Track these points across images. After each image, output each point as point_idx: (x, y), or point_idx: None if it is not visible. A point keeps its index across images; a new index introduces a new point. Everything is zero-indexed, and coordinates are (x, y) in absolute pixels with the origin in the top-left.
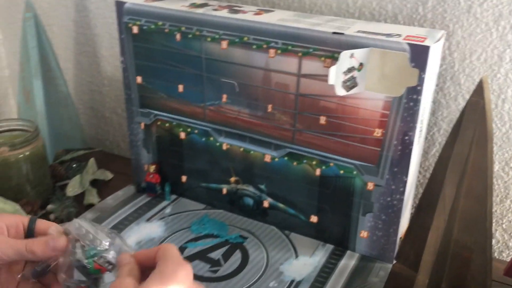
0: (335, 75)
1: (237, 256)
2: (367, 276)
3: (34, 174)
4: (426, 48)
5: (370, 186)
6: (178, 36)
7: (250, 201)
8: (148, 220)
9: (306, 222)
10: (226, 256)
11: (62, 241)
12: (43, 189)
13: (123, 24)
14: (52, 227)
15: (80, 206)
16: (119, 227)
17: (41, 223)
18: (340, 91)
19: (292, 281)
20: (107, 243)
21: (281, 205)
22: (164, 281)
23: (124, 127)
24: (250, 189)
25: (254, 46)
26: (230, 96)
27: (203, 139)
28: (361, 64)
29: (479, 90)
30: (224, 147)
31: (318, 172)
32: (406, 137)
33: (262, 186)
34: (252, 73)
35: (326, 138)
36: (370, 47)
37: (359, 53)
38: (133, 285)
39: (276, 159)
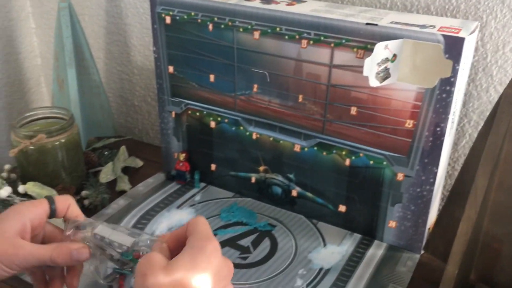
0: (370, 66)
1: (266, 244)
2: (395, 265)
3: (69, 161)
4: (461, 40)
5: (400, 176)
6: (210, 26)
7: (278, 190)
8: (179, 207)
9: (334, 211)
10: (255, 243)
11: (85, 254)
12: (77, 176)
13: (156, 14)
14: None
15: (112, 192)
16: (151, 213)
17: (60, 200)
18: (374, 82)
19: (320, 269)
20: (132, 241)
21: (309, 194)
22: (193, 256)
23: (153, 116)
24: (279, 178)
25: (286, 37)
26: (261, 86)
27: (233, 128)
28: (394, 55)
29: None
30: (254, 136)
31: (347, 162)
32: (438, 129)
33: (291, 175)
34: (284, 64)
35: (356, 129)
36: (404, 38)
37: (393, 44)
38: (160, 258)
39: (306, 149)
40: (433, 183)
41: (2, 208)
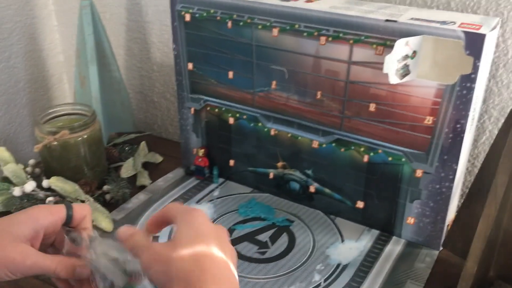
0: (390, 63)
1: (284, 239)
2: (413, 262)
3: (92, 156)
4: (482, 36)
5: (419, 173)
6: (229, 24)
7: (296, 185)
8: (198, 202)
9: (352, 207)
10: (273, 238)
11: (85, 272)
12: (99, 171)
13: (176, 12)
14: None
15: (133, 187)
16: None
17: (78, 209)
18: (394, 79)
19: (338, 265)
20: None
21: (327, 190)
22: (190, 226)
23: (172, 112)
24: (297, 174)
25: (305, 34)
26: (279, 82)
27: (252, 124)
28: (414, 52)
29: None
30: (272, 132)
31: (366, 158)
32: (458, 125)
33: (309, 171)
34: (302, 60)
35: (375, 125)
36: (424, 34)
37: (413, 40)
38: (159, 244)
39: (324, 145)
40: (452, 180)
41: (27, 202)
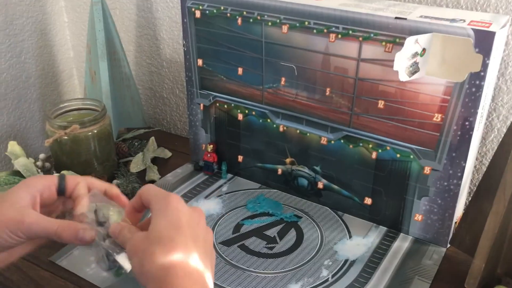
0: (400, 61)
1: (292, 234)
2: (420, 258)
3: (101, 151)
4: (492, 34)
5: (427, 170)
6: (239, 20)
7: (304, 181)
8: (207, 197)
9: (360, 204)
10: (282, 234)
11: (90, 235)
12: (109, 165)
13: (186, 9)
14: (83, 206)
15: (142, 181)
16: None
17: (70, 179)
18: (404, 77)
19: (346, 260)
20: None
21: (335, 187)
22: (164, 213)
23: (181, 108)
24: (305, 170)
25: (315, 31)
26: (288, 79)
27: (260, 120)
28: (424, 50)
29: None
30: (281, 128)
31: (374, 155)
32: (467, 123)
33: (317, 168)
34: (311, 57)
35: (383, 122)
36: (433, 32)
37: (423, 38)
38: (141, 234)
39: (332, 142)
40: (460, 177)
41: None
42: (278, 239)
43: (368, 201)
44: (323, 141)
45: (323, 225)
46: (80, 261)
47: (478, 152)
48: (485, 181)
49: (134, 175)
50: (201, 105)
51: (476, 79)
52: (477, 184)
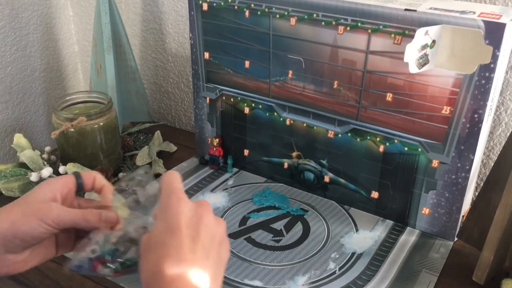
0: (410, 53)
1: (298, 228)
2: (427, 252)
3: (107, 144)
4: (502, 26)
5: (435, 163)
6: (247, 13)
7: (311, 175)
8: (212, 190)
9: (366, 197)
10: (288, 227)
11: (113, 215)
12: (115, 158)
13: (193, 1)
14: (109, 197)
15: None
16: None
17: (85, 175)
18: (414, 69)
19: (353, 253)
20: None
21: (342, 180)
22: (164, 215)
23: (186, 102)
24: (312, 163)
25: (323, 23)
26: (295, 72)
27: (267, 114)
28: (433, 41)
29: None
30: (288, 122)
31: (381, 148)
32: (476, 115)
33: (324, 161)
34: (319, 50)
35: (391, 115)
36: (443, 24)
37: (433, 30)
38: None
39: (339, 135)
40: (469, 170)
41: None
42: (284, 232)
43: (375, 194)
44: (330, 134)
45: (329, 218)
46: None
47: (485, 146)
48: (494, 174)
49: (140, 168)
50: (207, 98)
51: (486, 71)
52: (484, 178)
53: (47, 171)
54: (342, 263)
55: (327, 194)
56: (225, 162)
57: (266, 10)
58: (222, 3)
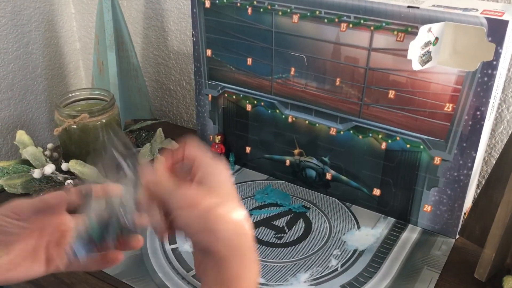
0: (414, 50)
1: (300, 225)
2: (429, 249)
3: None
4: (505, 23)
5: (437, 160)
6: (249, 10)
7: (312, 172)
8: None
9: (368, 195)
10: (290, 224)
11: (90, 189)
12: None
13: None
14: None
15: None
16: None
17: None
18: (417, 66)
19: (355, 250)
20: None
21: (344, 178)
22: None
23: (187, 100)
24: (314, 161)
25: (326, 20)
26: (298, 69)
27: (269, 111)
28: (436, 38)
29: None
30: (290, 119)
31: (383, 145)
32: (478, 112)
33: (326, 159)
34: (322, 47)
35: (393, 112)
36: (446, 21)
37: (436, 27)
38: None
39: (342, 132)
40: (471, 168)
41: (46, 185)
42: (286, 229)
43: (376, 192)
44: (332, 131)
45: (331, 216)
46: None
47: (487, 144)
48: (496, 171)
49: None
50: (209, 95)
51: (488, 68)
52: (485, 176)
53: (49, 167)
54: (344, 260)
55: (329, 191)
56: (227, 160)
57: (269, 7)
58: (225, 0)
